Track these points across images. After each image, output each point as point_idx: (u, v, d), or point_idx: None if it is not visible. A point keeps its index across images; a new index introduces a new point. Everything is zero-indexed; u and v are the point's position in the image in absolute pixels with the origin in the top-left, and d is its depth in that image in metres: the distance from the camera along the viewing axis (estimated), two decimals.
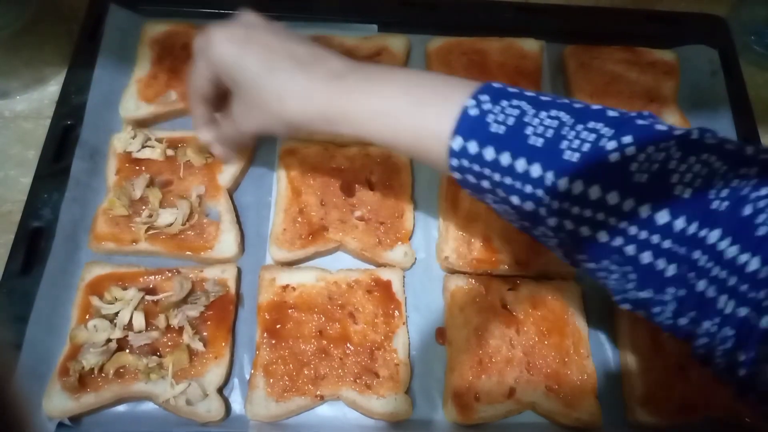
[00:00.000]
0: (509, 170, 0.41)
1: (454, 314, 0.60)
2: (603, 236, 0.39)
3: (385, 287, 0.60)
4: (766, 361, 0.34)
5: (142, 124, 0.67)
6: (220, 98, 0.55)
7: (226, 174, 0.64)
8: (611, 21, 0.79)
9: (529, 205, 0.42)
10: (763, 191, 0.35)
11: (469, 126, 0.42)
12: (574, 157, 0.39)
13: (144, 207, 0.61)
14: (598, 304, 0.63)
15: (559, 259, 0.62)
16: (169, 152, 0.64)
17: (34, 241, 0.60)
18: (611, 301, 0.62)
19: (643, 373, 0.58)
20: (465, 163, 0.43)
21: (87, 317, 0.56)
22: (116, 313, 0.56)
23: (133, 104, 0.67)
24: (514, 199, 0.42)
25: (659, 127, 0.40)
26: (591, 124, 0.40)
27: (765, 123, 0.73)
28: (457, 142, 0.42)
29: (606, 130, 0.39)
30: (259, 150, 0.68)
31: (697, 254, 0.36)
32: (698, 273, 0.36)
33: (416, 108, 0.45)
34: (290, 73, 0.48)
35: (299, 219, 0.62)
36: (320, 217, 0.62)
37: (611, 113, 0.41)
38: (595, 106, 0.42)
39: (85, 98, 0.66)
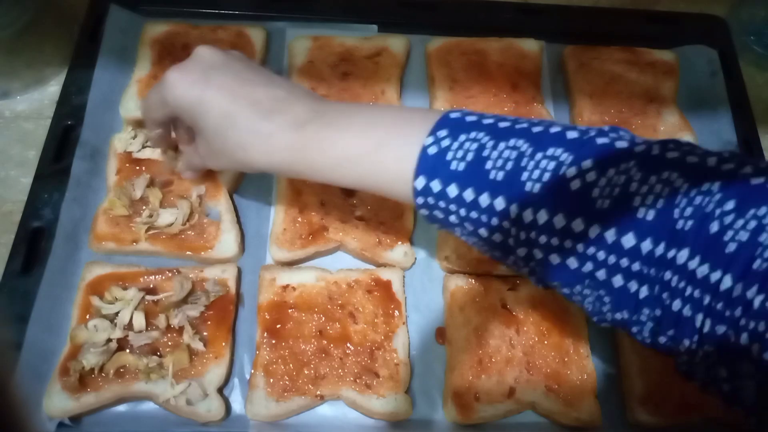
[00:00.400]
0: (474, 205, 0.42)
1: (454, 314, 0.60)
2: (573, 263, 0.39)
3: (385, 287, 0.60)
4: (747, 377, 0.34)
5: (142, 124, 0.67)
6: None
7: (227, 174, 0.64)
8: (611, 21, 0.79)
9: (497, 237, 0.42)
10: (728, 206, 0.35)
11: (429, 165, 0.43)
12: (536, 187, 0.39)
13: (144, 207, 0.61)
14: None
15: None
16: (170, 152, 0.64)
17: (34, 241, 0.60)
18: None
19: (642, 372, 0.58)
20: (430, 200, 0.43)
21: (87, 317, 0.56)
22: (116, 313, 0.56)
23: (133, 104, 0.67)
24: (482, 232, 0.43)
25: (620, 144, 0.40)
26: (550, 151, 0.40)
27: (765, 123, 0.74)
28: (420, 182, 0.43)
29: (565, 156, 0.39)
30: None
31: (668, 275, 0.36)
32: (672, 293, 0.36)
33: (377, 152, 0.45)
34: (251, 123, 0.47)
35: (299, 219, 0.62)
36: (320, 217, 0.63)
37: (571, 134, 0.41)
38: (555, 129, 0.42)
39: (85, 98, 0.66)
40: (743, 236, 0.34)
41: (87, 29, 0.71)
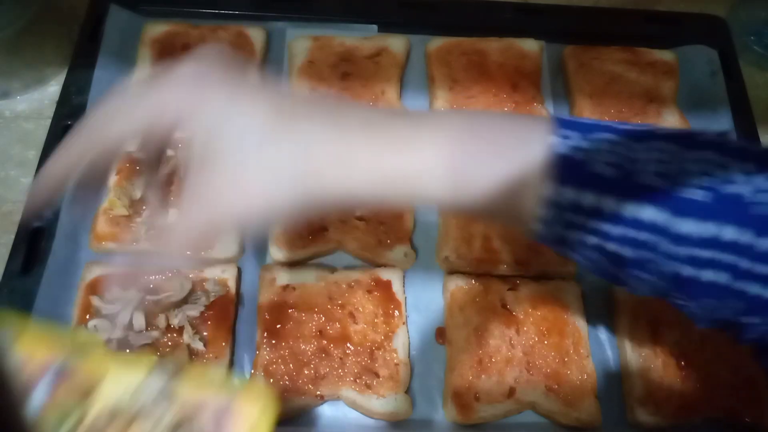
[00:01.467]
0: (613, 216, 0.35)
1: (454, 314, 0.60)
2: (748, 287, 0.35)
3: (385, 287, 0.60)
4: None
5: None
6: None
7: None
8: (611, 21, 0.79)
9: (633, 253, 0.36)
10: None
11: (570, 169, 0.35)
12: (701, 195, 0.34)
13: (144, 207, 0.61)
14: (598, 303, 0.63)
15: (559, 259, 0.62)
16: (170, 152, 0.64)
17: (34, 241, 0.60)
18: (611, 301, 0.63)
19: (643, 372, 0.58)
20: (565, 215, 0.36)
21: (87, 317, 0.56)
22: (117, 314, 0.56)
23: None
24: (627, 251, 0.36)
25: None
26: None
27: (765, 123, 0.74)
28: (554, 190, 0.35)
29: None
30: None
31: None
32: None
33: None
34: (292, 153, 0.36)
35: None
36: (320, 217, 0.63)
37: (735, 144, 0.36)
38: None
39: (85, 98, 0.66)
40: None
41: (87, 29, 0.71)
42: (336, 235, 0.62)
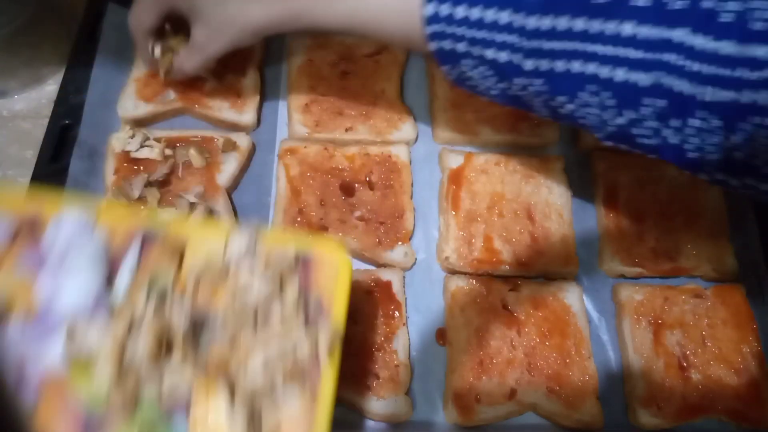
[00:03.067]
0: (488, 23, 0.43)
1: (455, 315, 0.59)
2: (576, 66, 0.41)
3: (385, 288, 0.59)
4: (760, 128, 0.36)
5: (140, 123, 0.67)
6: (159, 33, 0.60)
7: (225, 174, 0.64)
8: None
9: (503, 56, 0.44)
10: None
11: None
12: None
13: (142, 207, 0.61)
14: (600, 304, 0.63)
15: (560, 260, 0.62)
16: (168, 152, 0.64)
17: None
18: (613, 302, 0.63)
19: (644, 374, 0.58)
20: (445, 29, 0.44)
21: None
22: None
23: (131, 104, 0.66)
24: (494, 54, 0.44)
25: None
26: None
27: None
28: (430, 8, 0.44)
29: None
30: (258, 149, 0.68)
31: (666, 56, 0.38)
32: (672, 73, 0.38)
33: None
34: None
35: (299, 219, 0.62)
36: (320, 217, 0.62)
37: None
38: None
39: (83, 98, 0.66)
40: (735, 6, 0.36)
41: (85, 28, 0.71)
42: (336, 235, 0.61)
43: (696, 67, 0.37)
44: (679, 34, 0.37)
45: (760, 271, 0.65)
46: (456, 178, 0.65)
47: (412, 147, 0.69)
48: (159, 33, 0.61)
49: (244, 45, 0.57)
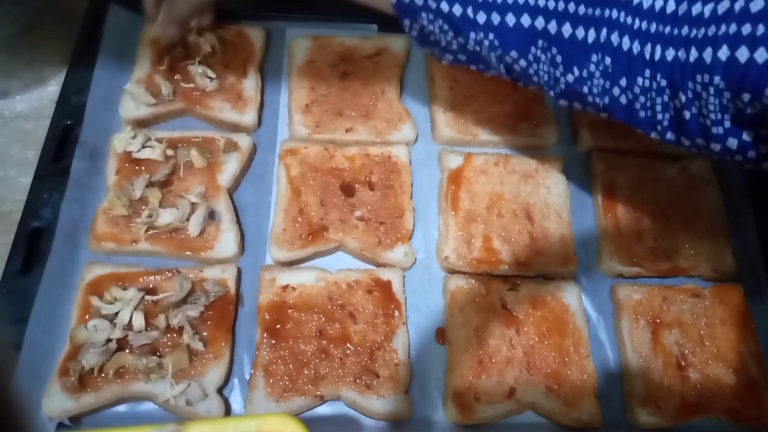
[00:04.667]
0: None
1: (454, 314, 0.60)
2: (526, 19, 0.42)
3: (385, 287, 0.60)
4: (706, 87, 0.36)
5: (142, 124, 0.67)
6: None
7: (226, 174, 0.64)
8: None
9: (457, 9, 0.44)
10: None
11: None
12: None
13: (144, 207, 0.61)
14: (598, 304, 0.63)
15: (559, 260, 0.62)
16: (169, 152, 0.64)
17: (34, 241, 0.60)
18: (611, 301, 0.63)
19: (643, 373, 0.58)
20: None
21: (87, 317, 0.56)
22: (116, 313, 0.56)
23: (133, 104, 0.67)
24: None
25: None
26: None
27: None
28: None
29: None
30: (259, 150, 0.68)
31: (614, 13, 0.38)
32: (619, 31, 0.39)
33: None
34: None
35: (299, 219, 0.62)
36: (320, 217, 0.62)
37: None
38: None
39: (85, 98, 0.66)
40: None
41: (87, 29, 0.71)
42: (336, 235, 0.62)
43: (642, 24, 0.37)
44: None
45: (759, 270, 0.65)
46: (455, 178, 0.65)
47: (412, 147, 0.69)
48: None
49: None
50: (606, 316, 0.62)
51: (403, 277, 0.61)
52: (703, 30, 0.35)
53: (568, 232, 0.64)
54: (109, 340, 0.54)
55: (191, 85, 0.68)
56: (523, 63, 0.45)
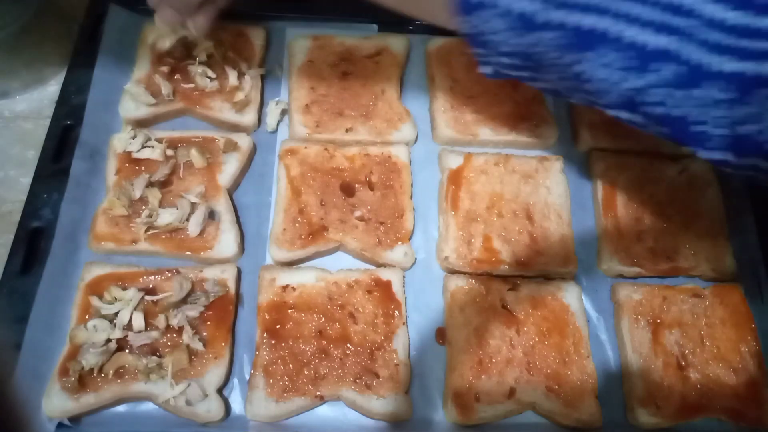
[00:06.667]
0: None
1: (455, 314, 0.60)
2: (598, 22, 0.40)
3: (385, 287, 0.60)
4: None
5: (142, 124, 0.67)
6: None
7: (226, 174, 0.64)
8: None
9: (530, 7, 0.42)
10: None
11: None
12: None
13: (144, 207, 0.61)
14: (598, 304, 0.63)
15: (559, 260, 0.62)
16: (169, 152, 0.64)
17: (33, 241, 0.60)
18: (612, 302, 0.63)
19: (643, 373, 0.58)
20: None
21: (87, 317, 0.56)
22: (116, 314, 0.56)
23: (132, 104, 0.67)
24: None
25: None
26: None
27: None
28: None
29: None
30: (259, 150, 0.68)
31: (678, 21, 0.37)
32: (684, 39, 0.37)
33: None
34: None
35: (299, 219, 0.62)
36: (320, 217, 0.62)
37: None
38: None
39: (84, 98, 0.66)
40: None
41: (86, 29, 0.71)
42: (336, 235, 0.62)
43: (706, 35, 0.36)
44: (690, 1, 0.37)
45: (759, 270, 0.65)
46: (455, 178, 0.65)
47: (412, 147, 0.69)
48: None
49: None
50: (606, 316, 0.62)
51: (403, 277, 0.61)
52: (766, 44, 0.35)
53: (568, 232, 0.64)
54: (108, 341, 0.54)
55: (191, 85, 0.68)
56: (579, 67, 0.42)
